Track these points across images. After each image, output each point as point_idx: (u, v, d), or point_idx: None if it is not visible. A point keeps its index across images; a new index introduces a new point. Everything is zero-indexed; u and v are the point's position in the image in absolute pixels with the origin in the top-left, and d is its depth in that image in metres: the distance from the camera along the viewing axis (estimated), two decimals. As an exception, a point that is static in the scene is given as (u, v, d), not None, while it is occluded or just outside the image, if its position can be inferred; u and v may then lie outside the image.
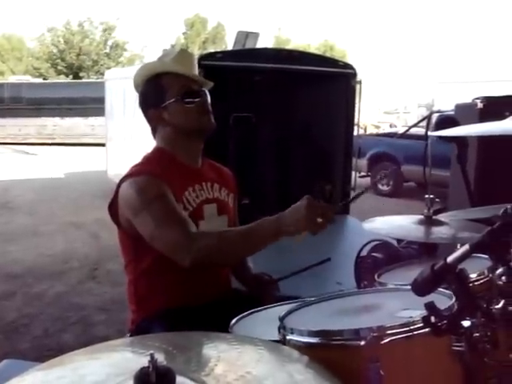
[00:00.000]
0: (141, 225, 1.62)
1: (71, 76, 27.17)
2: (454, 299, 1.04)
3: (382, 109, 31.00)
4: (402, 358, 1.00)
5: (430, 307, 0.97)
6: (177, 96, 1.74)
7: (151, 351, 0.79)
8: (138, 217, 1.62)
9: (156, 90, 1.78)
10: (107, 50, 29.07)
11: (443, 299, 1.08)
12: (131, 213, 1.64)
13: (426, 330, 0.99)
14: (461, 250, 0.96)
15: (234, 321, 1.44)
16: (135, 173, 1.70)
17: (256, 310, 1.53)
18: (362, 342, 0.97)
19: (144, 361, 0.79)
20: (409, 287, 1.20)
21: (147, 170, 1.71)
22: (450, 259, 0.96)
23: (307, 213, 1.43)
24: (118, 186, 1.71)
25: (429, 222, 1.76)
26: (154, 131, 1.85)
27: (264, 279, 1.90)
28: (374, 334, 0.97)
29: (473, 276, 1.35)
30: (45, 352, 3.48)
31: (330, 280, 4.19)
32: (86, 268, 5.19)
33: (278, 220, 1.49)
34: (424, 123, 10.20)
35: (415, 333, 0.99)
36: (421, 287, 0.99)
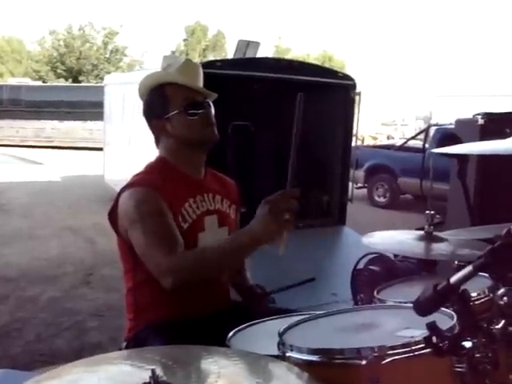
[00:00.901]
0: (134, 238, 1.63)
1: (71, 80, 27.19)
2: (455, 319, 1.03)
3: (380, 120, 31.14)
4: (402, 379, 0.99)
5: (432, 327, 0.96)
6: (180, 108, 1.73)
7: (152, 366, 0.78)
8: (132, 229, 1.63)
9: (160, 101, 1.76)
10: (107, 55, 29.12)
11: (444, 319, 1.08)
12: (128, 224, 1.65)
13: (428, 350, 0.98)
14: (464, 271, 0.95)
15: (231, 334, 1.42)
16: (136, 183, 1.70)
17: (253, 322, 1.52)
18: (363, 362, 0.96)
19: (143, 375, 0.79)
20: (409, 305, 1.19)
21: (148, 182, 1.69)
22: (453, 280, 0.96)
23: (272, 215, 1.43)
24: (119, 194, 1.71)
25: (429, 238, 1.75)
26: (157, 141, 1.84)
27: (256, 292, 1.87)
28: (375, 354, 0.96)
29: (473, 295, 1.34)
30: (37, 357, 3.46)
31: (325, 291, 4.18)
32: (81, 273, 5.16)
33: (249, 231, 1.48)
34: (422, 136, 10.31)
35: (416, 353, 0.98)
36: (423, 307, 0.98)
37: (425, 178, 8.80)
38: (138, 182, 1.70)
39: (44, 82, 25.72)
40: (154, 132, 1.82)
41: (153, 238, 1.58)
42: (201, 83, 1.80)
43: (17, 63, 30.25)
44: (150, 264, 1.60)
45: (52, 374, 0.96)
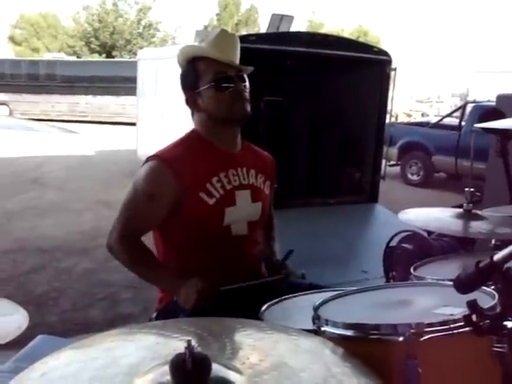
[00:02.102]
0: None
1: (104, 55, 27.37)
2: (497, 298, 1.00)
3: (415, 97, 30.46)
4: (440, 357, 0.97)
5: (473, 305, 0.93)
6: (210, 82, 1.70)
7: (186, 337, 0.78)
8: (128, 191, 1.72)
9: (192, 75, 1.74)
10: (140, 30, 29.14)
11: (485, 298, 1.05)
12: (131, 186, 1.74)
13: (467, 329, 0.96)
14: (509, 249, 0.92)
15: (263, 308, 1.42)
16: (156, 156, 1.72)
17: (285, 297, 1.52)
18: (400, 338, 0.94)
19: (178, 345, 0.79)
20: (447, 283, 1.17)
21: (167, 157, 1.71)
22: (496, 257, 0.92)
23: (197, 295, 1.56)
24: (144, 164, 1.74)
25: (467, 215, 1.71)
26: (193, 113, 1.83)
27: (274, 264, 1.84)
28: (413, 331, 0.94)
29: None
30: (72, 326, 3.55)
31: (355, 268, 4.16)
32: (114, 246, 5.24)
33: (174, 288, 1.64)
34: (458, 113, 10.04)
35: (455, 331, 0.96)
36: (464, 284, 0.95)
37: (460, 156, 8.60)
38: (159, 156, 1.71)
39: (78, 57, 25.97)
40: (188, 105, 1.81)
41: (125, 210, 1.70)
42: (236, 56, 1.74)
43: (52, 38, 30.58)
44: (112, 225, 1.73)
45: (87, 342, 0.97)
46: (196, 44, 1.88)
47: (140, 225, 1.71)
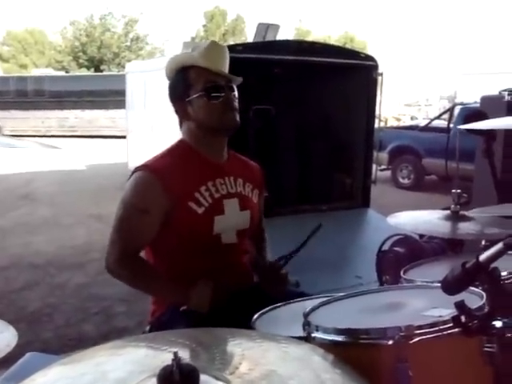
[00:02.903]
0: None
1: (92, 69, 27.39)
2: (484, 298, 1.00)
3: (403, 101, 30.64)
4: (430, 359, 0.97)
5: (461, 306, 0.94)
6: (201, 91, 1.71)
7: (175, 349, 0.78)
8: (118, 207, 1.70)
9: (182, 84, 1.75)
10: (128, 43, 29.22)
11: (473, 298, 1.05)
12: (120, 201, 1.71)
13: (456, 330, 0.96)
14: (494, 249, 0.93)
15: (255, 316, 1.42)
16: (144, 167, 1.71)
17: (277, 305, 1.52)
18: (390, 342, 0.94)
19: (167, 358, 0.78)
20: (436, 285, 1.17)
21: (155, 167, 1.70)
22: (482, 258, 0.93)
23: (213, 296, 1.60)
24: (131, 174, 1.74)
25: (455, 217, 1.72)
26: (181, 124, 1.83)
27: (266, 265, 1.83)
28: (403, 334, 0.94)
29: (503, 274, 1.31)
30: (66, 341, 3.52)
31: (349, 274, 4.16)
32: (107, 259, 5.22)
33: (188, 297, 1.63)
34: (446, 116, 10.11)
35: (445, 333, 0.96)
36: (451, 286, 0.96)
37: (450, 158, 8.65)
38: (146, 166, 1.71)
39: (67, 72, 25.98)
40: (177, 115, 1.81)
41: (119, 230, 1.67)
42: (225, 66, 1.76)
43: (40, 54, 30.57)
44: (107, 246, 1.69)
45: (77, 358, 0.96)
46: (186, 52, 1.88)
47: (137, 242, 1.69)
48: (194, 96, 1.72)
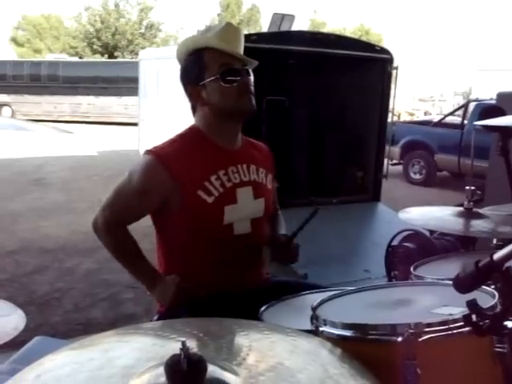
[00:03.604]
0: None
1: (106, 55, 27.42)
2: (497, 298, 0.99)
3: (417, 96, 30.40)
4: (439, 357, 0.96)
5: (472, 305, 0.92)
6: (216, 74, 1.64)
7: (183, 338, 0.77)
8: (124, 177, 1.71)
9: (196, 66, 1.69)
10: (142, 30, 29.19)
11: (485, 297, 1.04)
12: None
13: (467, 329, 0.95)
14: (509, 248, 0.91)
15: (263, 308, 1.42)
16: (152, 151, 1.68)
17: (285, 298, 1.51)
18: (399, 339, 0.93)
19: (174, 346, 0.78)
20: (447, 282, 1.16)
21: (162, 153, 1.67)
22: (496, 256, 0.91)
23: (176, 292, 1.64)
24: (143, 155, 1.72)
25: (468, 214, 1.70)
26: (194, 109, 1.78)
27: (281, 239, 1.81)
28: (412, 331, 0.93)
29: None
30: (74, 326, 3.55)
31: (358, 268, 4.15)
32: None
33: (154, 284, 1.69)
34: (460, 112, 10.01)
35: (455, 331, 0.95)
36: (463, 284, 0.94)
37: (463, 154, 8.57)
38: (154, 152, 1.68)
39: (80, 57, 26.03)
40: (190, 99, 1.76)
41: (114, 199, 1.69)
42: (241, 49, 1.70)
43: (55, 40, 30.66)
44: (101, 207, 1.72)
45: (85, 343, 0.96)
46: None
47: (127, 217, 1.71)
48: (209, 79, 1.66)
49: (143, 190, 1.65)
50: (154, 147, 1.70)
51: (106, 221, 1.69)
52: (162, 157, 1.65)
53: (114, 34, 27.97)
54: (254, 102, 1.68)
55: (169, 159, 1.65)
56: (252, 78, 1.70)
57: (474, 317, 0.92)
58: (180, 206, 1.64)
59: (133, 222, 1.72)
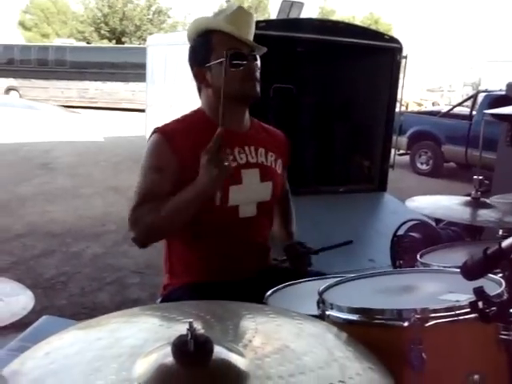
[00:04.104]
0: None
1: (114, 41, 27.35)
2: (504, 286, 0.99)
3: (426, 86, 30.19)
4: (445, 343, 0.96)
5: (479, 292, 0.92)
6: (222, 57, 1.62)
7: (189, 319, 0.78)
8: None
9: (203, 48, 1.68)
10: (150, 16, 29.06)
11: (492, 285, 1.04)
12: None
13: (473, 315, 0.95)
14: (517, 236, 0.91)
15: (268, 293, 1.42)
16: (159, 130, 1.68)
17: (291, 283, 1.51)
18: (405, 324, 0.94)
19: (181, 328, 0.79)
20: (453, 270, 1.16)
21: (168, 130, 1.67)
22: (505, 244, 0.91)
23: (212, 163, 1.46)
24: (149, 138, 1.71)
25: (475, 203, 1.69)
26: (199, 91, 1.77)
27: (298, 250, 1.81)
28: (418, 316, 0.94)
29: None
30: (80, 309, 3.59)
31: (362, 257, 4.16)
32: (123, 231, 5.25)
33: (194, 185, 1.52)
34: (469, 103, 9.94)
35: (461, 318, 0.95)
36: (471, 271, 0.94)
37: (470, 146, 8.53)
38: (158, 128, 1.68)
39: (88, 42, 25.97)
40: (195, 81, 1.75)
41: (138, 193, 1.62)
42: (250, 34, 1.68)
43: (62, 24, 30.59)
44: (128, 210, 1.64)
45: (93, 323, 0.98)
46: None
47: (154, 193, 1.61)
48: (215, 62, 1.65)
49: (156, 166, 1.64)
50: (165, 125, 1.70)
51: (134, 207, 1.60)
52: (165, 134, 1.66)
53: (121, 20, 27.86)
54: (258, 88, 1.67)
55: (170, 135, 1.65)
56: (259, 64, 1.69)
57: (480, 304, 0.93)
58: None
59: (158, 199, 1.62)
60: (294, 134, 5.20)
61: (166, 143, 1.64)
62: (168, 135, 1.66)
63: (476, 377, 0.95)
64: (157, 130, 1.68)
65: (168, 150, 1.63)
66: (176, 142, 1.64)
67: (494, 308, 0.93)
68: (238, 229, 1.69)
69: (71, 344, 0.88)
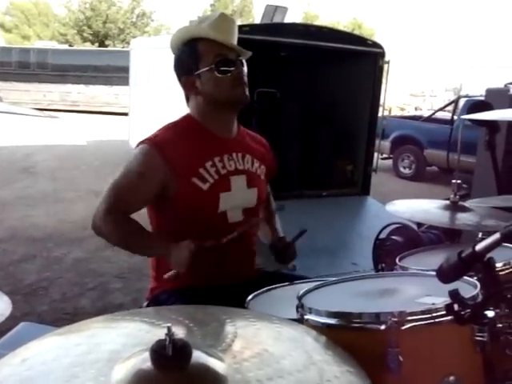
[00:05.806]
0: None
1: (97, 44, 27.19)
2: (478, 288, 1.01)
3: (408, 91, 30.47)
4: (422, 345, 0.98)
5: (454, 295, 0.94)
6: (211, 64, 1.66)
7: (168, 324, 0.78)
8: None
9: (190, 56, 1.70)
10: (134, 19, 28.96)
11: (467, 287, 1.06)
12: None
13: (449, 317, 0.96)
14: (491, 239, 0.93)
15: (250, 297, 1.43)
16: (147, 140, 1.68)
17: (271, 287, 1.52)
18: (382, 327, 0.95)
19: (160, 333, 0.79)
20: (431, 273, 1.17)
21: (157, 140, 1.68)
22: (478, 247, 0.93)
23: (190, 256, 1.55)
24: (136, 146, 1.71)
25: (454, 207, 1.72)
26: (187, 98, 1.79)
27: (284, 242, 1.85)
28: (395, 319, 0.95)
29: (498, 265, 1.31)
30: (62, 315, 3.55)
31: (345, 260, 4.18)
32: (105, 236, 5.23)
33: (166, 253, 1.61)
34: (450, 108, 10.06)
35: (437, 320, 0.97)
36: (446, 274, 0.96)
37: (452, 150, 8.63)
38: (149, 140, 1.68)
39: (70, 45, 25.77)
40: (183, 89, 1.76)
41: (112, 189, 1.65)
42: (235, 40, 1.71)
43: (44, 26, 30.31)
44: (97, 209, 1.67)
45: (72, 329, 0.97)
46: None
47: (128, 200, 1.65)
48: (203, 69, 1.67)
49: (142, 174, 1.64)
50: (148, 136, 1.71)
51: (104, 211, 1.63)
52: (156, 143, 1.66)
53: (104, 22, 27.72)
54: (247, 92, 1.70)
55: (163, 145, 1.66)
56: (246, 68, 1.72)
57: (455, 306, 0.94)
58: (176, 195, 1.65)
59: (133, 210, 1.68)
60: (278, 138, 5.26)
61: (157, 155, 1.64)
62: (159, 146, 1.66)
63: (452, 378, 0.97)
64: (147, 141, 1.68)
65: (160, 160, 1.63)
66: (168, 151, 1.65)
67: (468, 310, 0.94)
68: (226, 234, 1.69)
69: (49, 350, 0.87)
